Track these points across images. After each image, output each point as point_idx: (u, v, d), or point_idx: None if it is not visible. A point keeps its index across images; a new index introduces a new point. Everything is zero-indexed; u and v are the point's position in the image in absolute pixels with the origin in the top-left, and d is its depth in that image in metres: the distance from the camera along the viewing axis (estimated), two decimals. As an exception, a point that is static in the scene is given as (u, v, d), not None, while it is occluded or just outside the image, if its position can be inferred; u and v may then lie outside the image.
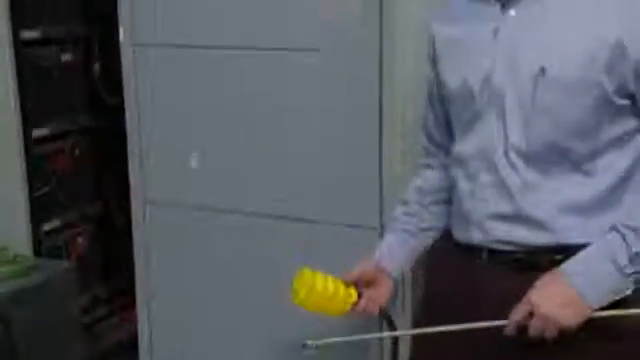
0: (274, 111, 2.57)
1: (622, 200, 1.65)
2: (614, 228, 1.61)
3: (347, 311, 1.88)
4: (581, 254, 1.62)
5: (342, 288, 1.85)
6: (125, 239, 2.93)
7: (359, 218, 2.46)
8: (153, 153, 2.80)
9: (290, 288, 1.85)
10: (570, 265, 1.61)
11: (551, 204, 1.66)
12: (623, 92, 1.59)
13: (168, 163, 2.76)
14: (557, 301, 1.58)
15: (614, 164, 1.65)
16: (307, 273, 1.83)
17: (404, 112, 2.36)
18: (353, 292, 1.87)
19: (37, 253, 3.25)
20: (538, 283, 1.61)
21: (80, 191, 3.50)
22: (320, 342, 1.81)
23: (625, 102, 1.61)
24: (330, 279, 1.84)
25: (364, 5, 2.36)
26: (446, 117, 1.87)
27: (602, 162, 1.65)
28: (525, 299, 1.61)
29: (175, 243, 2.82)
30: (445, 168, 1.90)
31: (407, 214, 1.97)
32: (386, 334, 2.02)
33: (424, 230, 1.96)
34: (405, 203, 1.98)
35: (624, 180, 1.65)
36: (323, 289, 1.82)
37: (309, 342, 1.82)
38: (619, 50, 1.56)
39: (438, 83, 1.85)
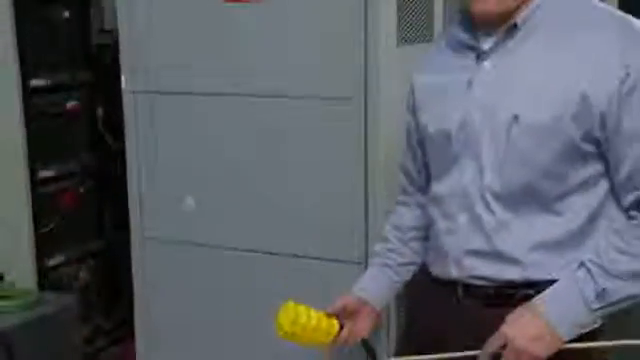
0: (267, 155, 2.56)
1: (589, 239, 1.67)
2: (583, 265, 1.62)
3: (329, 342, 1.87)
4: (551, 289, 1.64)
5: (325, 320, 1.86)
6: (126, 274, 2.92)
7: (347, 254, 2.46)
8: (153, 193, 2.79)
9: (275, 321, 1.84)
10: (541, 300, 1.63)
11: (523, 242, 1.67)
12: (589, 139, 1.62)
13: (166, 202, 2.76)
14: (529, 334, 1.60)
15: (581, 206, 1.67)
16: (290, 306, 1.83)
17: (388, 154, 2.37)
18: (335, 323, 1.87)
19: (42, 287, 3.22)
20: (511, 317, 1.63)
21: (83, 228, 3.49)
22: None
23: (590, 148, 1.63)
24: (313, 311, 1.84)
25: (349, 63, 2.40)
26: (423, 160, 1.90)
27: (570, 203, 1.67)
28: (499, 332, 1.61)
29: (172, 277, 2.80)
30: (422, 207, 1.93)
31: (387, 250, 1.99)
32: None
33: (403, 265, 1.97)
34: (385, 239, 2.00)
35: (590, 221, 1.67)
36: (306, 321, 1.82)
37: None
38: (585, 102, 1.59)
39: (417, 129, 1.88)
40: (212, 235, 2.69)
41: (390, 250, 1.98)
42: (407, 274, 1.97)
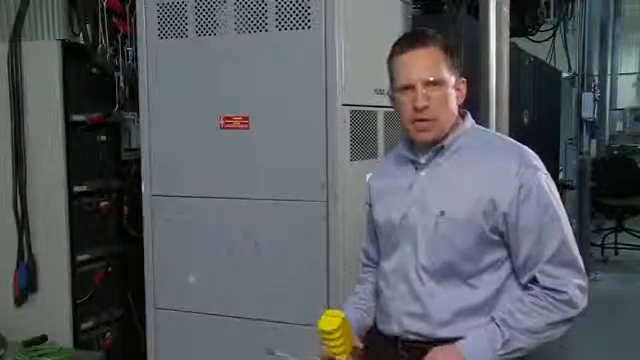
0: (250, 243, 2.61)
1: (498, 303, 1.72)
2: (493, 320, 1.69)
3: None
4: (469, 336, 1.69)
5: None
6: (142, 336, 2.86)
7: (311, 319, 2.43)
8: (163, 272, 2.80)
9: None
10: (461, 343, 1.69)
11: (447, 308, 1.72)
12: (495, 231, 1.71)
13: (173, 280, 2.76)
14: None
15: (492, 280, 1.73)
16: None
17: (344, 249, 2.47)
18: None
19: (76, 345, 3.15)
20: (438, 348, 1.68)
21: (110, 299, 3.40)
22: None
23: (497, 238, 1.71)
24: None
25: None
26: (378, 243, 1.90)
27: (484, 278, 1.72)
28: (429, 356, 1.68)
29: (178, 339, 2.79)
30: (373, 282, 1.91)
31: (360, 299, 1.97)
32: None
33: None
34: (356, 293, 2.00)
35: (499, 291, 1.74)
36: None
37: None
38: (492, 203, 1.69)
39: (372, 220, 1.91)
40: (209, 305, 2.71)
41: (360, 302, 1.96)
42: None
